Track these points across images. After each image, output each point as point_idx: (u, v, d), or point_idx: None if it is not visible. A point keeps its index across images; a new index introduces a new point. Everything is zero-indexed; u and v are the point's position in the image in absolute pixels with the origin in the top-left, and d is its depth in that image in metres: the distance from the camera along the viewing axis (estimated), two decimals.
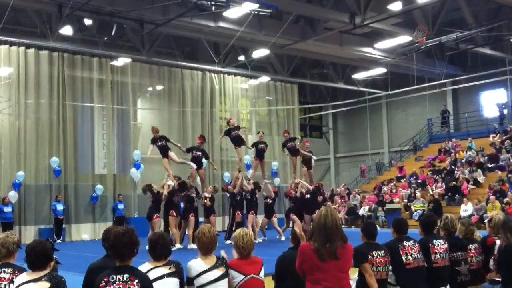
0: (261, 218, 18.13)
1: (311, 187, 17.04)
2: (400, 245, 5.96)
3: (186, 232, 15.42)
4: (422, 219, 6.69)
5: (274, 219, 17.40)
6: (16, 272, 4.76)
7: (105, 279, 4.08)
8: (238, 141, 17.31)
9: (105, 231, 5.33)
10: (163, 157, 15.87)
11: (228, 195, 17.33)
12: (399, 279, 5.93)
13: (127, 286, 4.05)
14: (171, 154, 16.05)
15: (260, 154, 17.63)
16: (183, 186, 15.40)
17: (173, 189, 15.20)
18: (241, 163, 17.97)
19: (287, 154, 18.21)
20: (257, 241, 15.54)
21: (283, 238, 16.63)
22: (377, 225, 6.78)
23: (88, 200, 20.66)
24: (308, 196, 16.81)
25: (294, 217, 16.76)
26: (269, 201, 17.50)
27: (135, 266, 4.40)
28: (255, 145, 17.78)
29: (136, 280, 4.10)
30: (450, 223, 6.62)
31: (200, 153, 16.43)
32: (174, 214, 15.06)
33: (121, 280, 4.07)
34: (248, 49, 23.15)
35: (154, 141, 15.77)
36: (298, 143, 18.75)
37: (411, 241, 6.05)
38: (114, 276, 4.08)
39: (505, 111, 26.47)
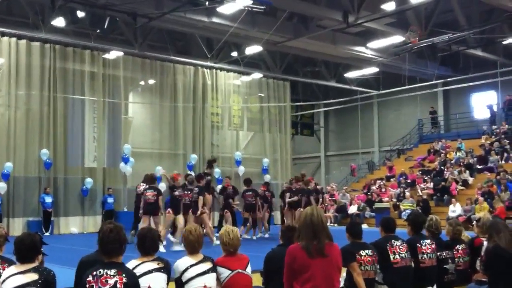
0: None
1: None
2: (388, 244, 6.00)
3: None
4: (411, 218, 6.68)
5: (266, 215, 17.44)
6: (4, 264, 4.74)
7: (93, 273, 4.12)
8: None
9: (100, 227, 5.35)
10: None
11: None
12: (387, 277, 5.97)
13: (114, 279, 4.07)
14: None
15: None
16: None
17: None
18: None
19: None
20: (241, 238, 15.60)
21: (266, 236, 16.75)
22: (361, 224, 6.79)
23: (78, 193, 20.57)
24: None
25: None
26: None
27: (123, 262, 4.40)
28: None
29: (124, 275, 4.13)
30: (434, 225, 6.62)
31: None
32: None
33: (109, 274, 4.10)
34: (241, 45, 23.12)
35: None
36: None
37: (399, 241, 6.09)
38: (101, 270, 4.12)
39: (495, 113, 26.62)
